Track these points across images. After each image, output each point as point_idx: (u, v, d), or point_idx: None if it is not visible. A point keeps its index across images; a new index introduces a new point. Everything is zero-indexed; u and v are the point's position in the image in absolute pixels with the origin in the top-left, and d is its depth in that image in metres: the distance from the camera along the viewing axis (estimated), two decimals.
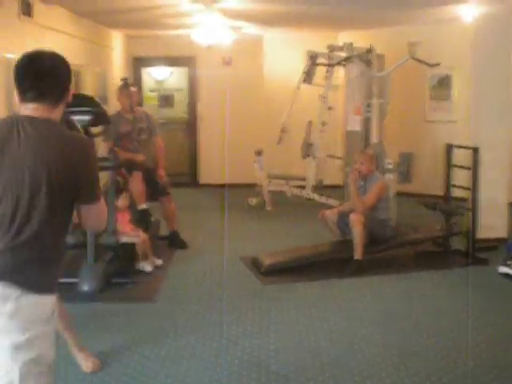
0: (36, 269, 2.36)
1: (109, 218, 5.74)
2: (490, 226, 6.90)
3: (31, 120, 2.46)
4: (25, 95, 2.54)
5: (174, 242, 7.28)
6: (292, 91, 9.28)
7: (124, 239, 6.09)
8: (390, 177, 7.53)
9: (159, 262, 6.41)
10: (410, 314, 5.05)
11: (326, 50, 9.10)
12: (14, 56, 6.27)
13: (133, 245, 6.15)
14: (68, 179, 2.38)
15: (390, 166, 7.63)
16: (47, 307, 2.39)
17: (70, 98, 2.84)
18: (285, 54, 10.87)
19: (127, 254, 6.17)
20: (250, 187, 10.05)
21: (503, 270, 6.00)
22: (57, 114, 2.64)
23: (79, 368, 4.04)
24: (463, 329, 4.69)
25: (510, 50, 7.05)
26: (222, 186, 10.28)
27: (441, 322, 4.85)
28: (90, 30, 9.17)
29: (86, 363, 4.03)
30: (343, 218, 6.45)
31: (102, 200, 2.59)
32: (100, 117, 5.75)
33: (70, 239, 5.74)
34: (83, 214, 2.55)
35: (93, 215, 2.58)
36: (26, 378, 2.29)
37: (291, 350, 4.35)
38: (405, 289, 5.60)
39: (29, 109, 2.51)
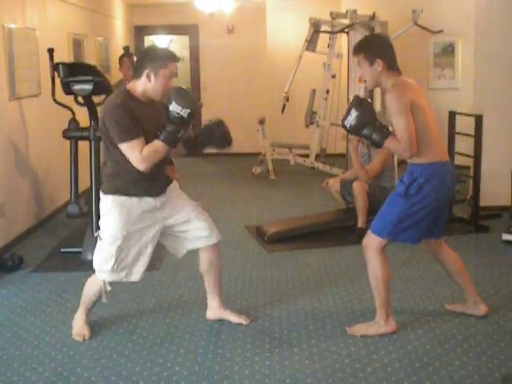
0: (103, 181, 3.93)
1: None
2: (494, 194, 6.89)
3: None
4: None
5: None
6: (295, 59, 9.23)
7: None
8: None
9: None
10: (413, 279, 5.07)
11: (328, 17, 9.03)
12: (15, 26, 6.25)
13: None
14: (102, 128, 3.72)
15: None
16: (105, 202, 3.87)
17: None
18: (288, 22, 10.79)
19: None
20: (254, 156, 10.05)
21: (506, 237, 6.01)
22: (137, 84, 3.76)
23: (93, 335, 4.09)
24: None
25: None
26: (226, 155, 10.27)
27: (444, 286, 4.87)
28: None
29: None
30: (346, 187, 6.45)
31: (133, 145, 3.62)
32: (102, 86, 5.73)
33: (73, 208, 5.80)
34: (123, 153, 3.68)
35: (127, 154, 3.66)
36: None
37: (294, 317, 4.38)
38: (408, 255, 5.62)
39: None
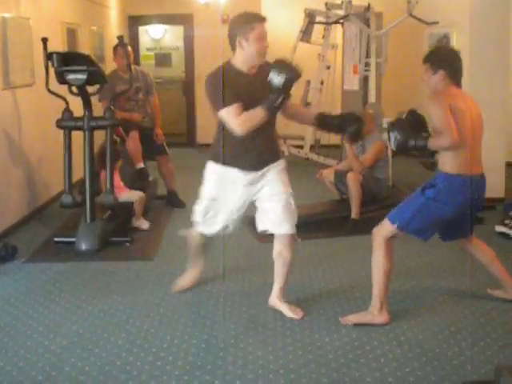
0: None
1: (108, 176, 5.81)
2: (488, 186, 6.89)
3: None
4: None
5: (172, 201, 7.30)
6: (290, 50, 9.21)
7: (122, 198, 6.10)
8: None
9: (146, 224, 6.40)
10: (406, 271, 5.08)
11: (323, 8, 9.01)
12: (9, 15, 6.22)
13: (130, 204, 6.16)
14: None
15: None
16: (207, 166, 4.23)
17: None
18: (283, 12, 10.76)
19: (125, 213, 6.20)
20: None
21: (500, 229, 6.04)
22: (236, 56, 4.00)
23: (82, 326, 4.09)
24: (463, 285, 4.75)
25: (509, 7, 6.99)
26: None
27: (440, 278, 4.89)
28: None
29: None
30: (340, 178, 6.45)
31: (229, 110, 3.85)
32: (96, 76, 5.72)
33: (67, 198, 5.80)
34: (223, 120, 3.95)
35: (225, 120, 3.92)
36: None
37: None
38: (401, 247, 5.60)
39: None
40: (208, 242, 4.58)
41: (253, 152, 4.04)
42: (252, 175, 4.09)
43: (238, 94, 3.84)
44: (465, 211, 4.06)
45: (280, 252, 4.26)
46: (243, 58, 3.93)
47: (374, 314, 4.09)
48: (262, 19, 3.90)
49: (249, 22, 3.85)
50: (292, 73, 3.78)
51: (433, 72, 4.02)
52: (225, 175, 4.14)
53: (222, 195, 4.19)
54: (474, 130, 3.99)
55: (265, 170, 4.11)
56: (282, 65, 3.80)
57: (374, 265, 4.10)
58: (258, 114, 3.84)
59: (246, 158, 4.05)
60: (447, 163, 3.98)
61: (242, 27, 3.85)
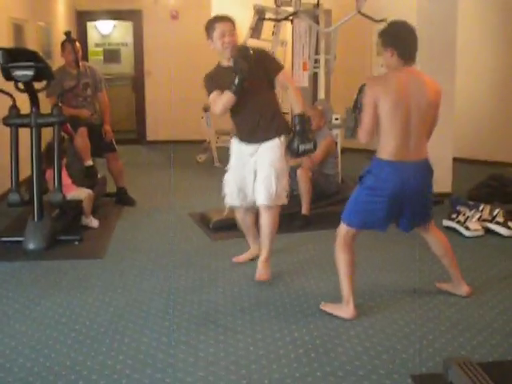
0: None
1: (55, 174, 5.73)
2: (435, 180, 7.00)
3: None
4: None
5: (122, 198, 7.25)
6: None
7: (70, 195, 6.03)
8: (337, 132, 7.58)
9: (96, 222, 6.34)
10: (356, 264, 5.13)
11: (273, 5, 9.02)
12: None
13: (79, 201, 6.10)
14: None
15: (338, 122, 7.67)
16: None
17: None
18: (233, 8, 10.71)
19: (73, 211, 6.13)
20: (198, 144, 10.02)
21: (447, 223, 6.14)
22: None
23: (32, 322, 4.04)
24: (410, 279, 4.82)
25: (455, 4, 7.10)
26: (170, 142, 10.22)
27: (387, 274, 4.96)
28: None
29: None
30: (290, 174, 6.46)
31: (209, 98, 4.73)
32: (43, 72, 5.64)
33: (14, 196, 5.70)
34: None
35: None
36: None
37: (238, 304, 4.39)
38: (373, 240, 5.67)
39: None
40: (245, 216, 5.10)
41: (245, 128, 4.79)
42: (250, 147, 4.78)
43: (217, 84, 4.64)
44: (401, 198, 3.99)
45: (260, 220, 4.82)
46: (219, 54, 4.70)
47: (343, 307, 4.15)
48: (222, 19, 4.65)
49: (211, 23, 4.68)
50: (243, 57, 4.47)
51: (384, 48, 4.01)
52: (238, 147, 4.89)
53: (237, 164, 4.86)
54: (409, 116, 3.89)
55: (258, 145, 4.75)
56: (238, 51, 4.55)
57: (337, 263, 4.15)
58: (225, 96, 4.58)
59: (242, 132, 4.84)
60: (378, 148, 3.97)
61: (209, 30, 4.67)
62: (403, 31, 4.02)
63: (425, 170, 4.12)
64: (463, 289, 4.46)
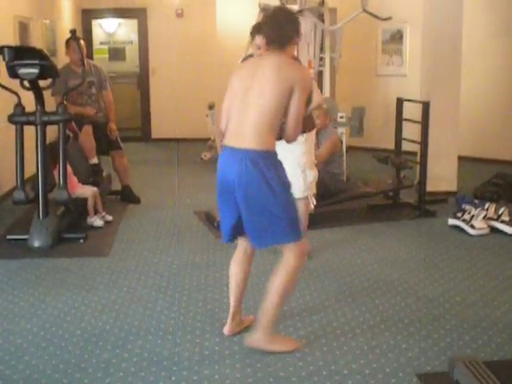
0: None
1: (60, 172, 5.73)
2: (440, 179, 7.01)
3: None
4: None
5: (127, 196, 7.25)
6: (245, 44, 9.19)
7: (75, 194, 6.03)
8: (342, 131, 7.57)
9: (109, 217, 6.36)
10: (361, 263, 5.14)
11: (278, 3, 9.01)
12: None
13: (84, 199, 6.10)
14: None
15: (343, 120, 7.66)
16: None
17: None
18: (237, 6, 10.73)
19: (78, 209, 6.13)
20: (203, 142, 10.01)
21: (452, 222, 6.13)
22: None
23: (33, 322, 4.04)
24: (415, 277, 4.81)
25: (461, 4, 7.09)
26: (175, 140, 10.22)
27: (393, 271, 4.95)
28: None
29: None
30: None
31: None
32: (48, 70, 5.64)
33: (19, 194, 5.70)
34: None
35: None
36: None
37: (243, 301, 4.38)
38: (356, 240, 5.68)
39: None
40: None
41: None
42: None
43: None
44: (223, 188, 3.60)
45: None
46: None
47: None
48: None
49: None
50: None
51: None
52: None
53: None
54: (236, 99, 3.58)
55: None
56: None
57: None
58: None
59: None
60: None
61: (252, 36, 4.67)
62: (269, 18, 3.79)
63: (251, 161, 3.46)
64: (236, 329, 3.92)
